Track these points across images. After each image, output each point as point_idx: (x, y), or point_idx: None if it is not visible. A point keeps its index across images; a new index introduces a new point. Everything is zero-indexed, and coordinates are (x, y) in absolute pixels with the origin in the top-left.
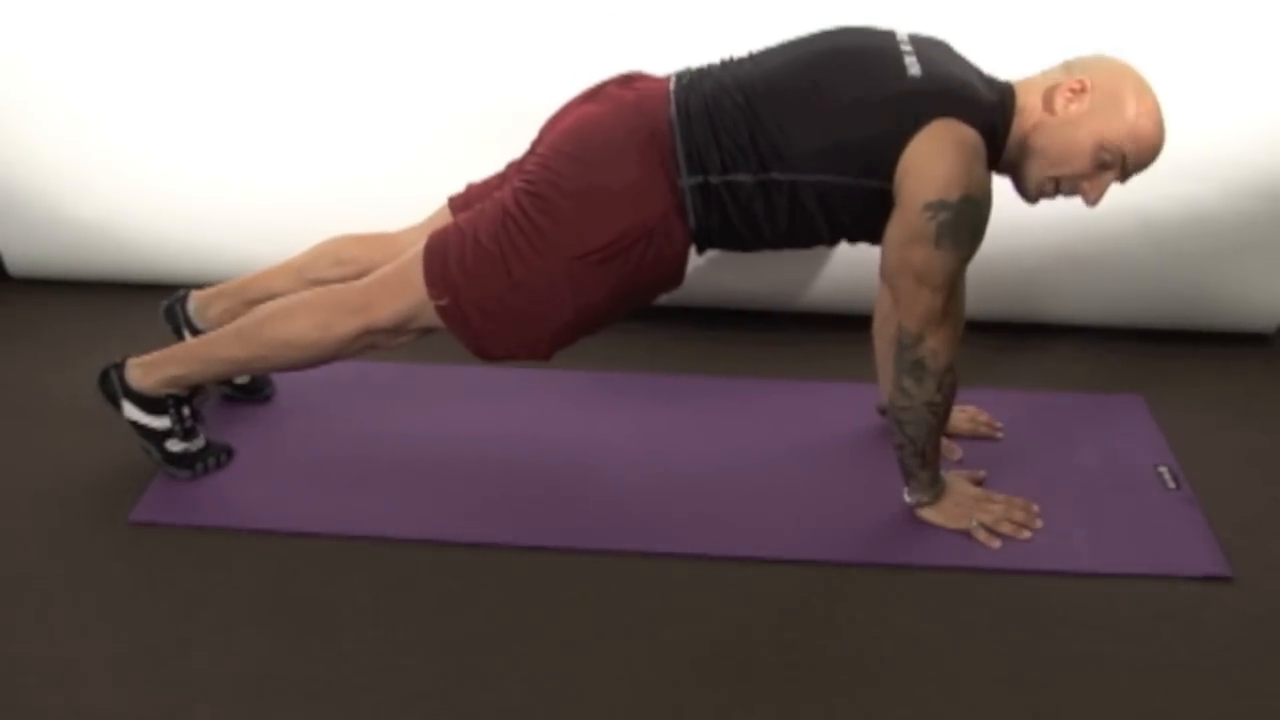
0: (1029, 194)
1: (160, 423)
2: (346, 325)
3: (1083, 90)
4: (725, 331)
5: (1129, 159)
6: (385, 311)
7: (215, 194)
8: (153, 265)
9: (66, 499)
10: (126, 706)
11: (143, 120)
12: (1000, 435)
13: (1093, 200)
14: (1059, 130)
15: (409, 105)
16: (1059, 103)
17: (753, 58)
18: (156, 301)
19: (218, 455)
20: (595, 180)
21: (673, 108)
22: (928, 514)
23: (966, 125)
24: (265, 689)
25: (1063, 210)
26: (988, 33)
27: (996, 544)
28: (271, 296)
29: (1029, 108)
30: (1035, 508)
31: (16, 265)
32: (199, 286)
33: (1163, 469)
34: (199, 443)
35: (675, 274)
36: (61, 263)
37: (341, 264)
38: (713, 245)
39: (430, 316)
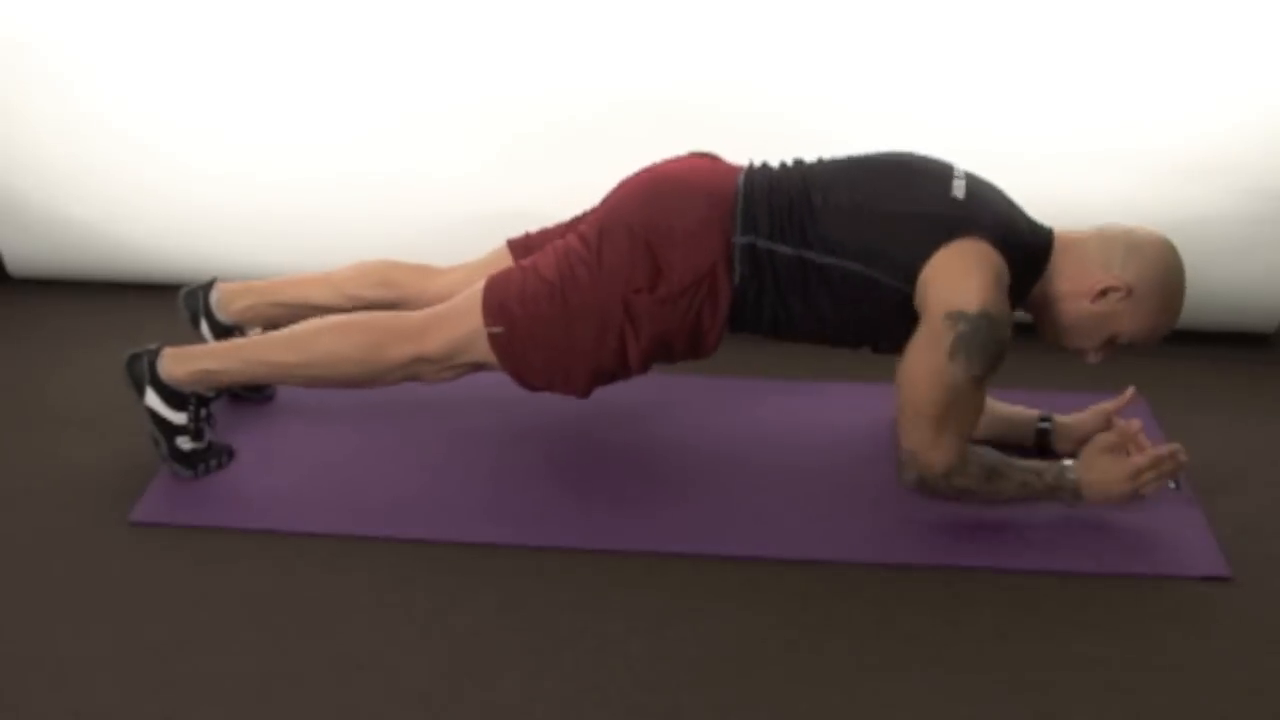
0: (1042, 338)
1: (178, 417)
2: (399, 350)
3: (1127, 295)
4: (728, 336)
5: (1137, 343)
6: (438, 340)
7: (215, 194)
8: (153, 265)
9: (66, 499)
10: (126, 706)
11: (143, 120)
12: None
13: (1093, 362)
14: (1087, 317)
15: (409, 105)
16: (1101, 301)
17: (820, 161)
18: (156, 301)
19: (220, 456)
20: (661, 221)
21: (741, 177)
22: (1093, 501)
23: (994, 250)
24: (265, 689)
25: (1062, 211)
26: (988, 32)
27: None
28: (305, 304)
29: (1065, 272)
30: (1175, 447)
31: (16, 265)
32: (193, 287)
33: None
34: (204, 443)
35: (710, 335)
36: (61, 263)
37: (385, 286)
38: (746, 320)
39: (481, 349)
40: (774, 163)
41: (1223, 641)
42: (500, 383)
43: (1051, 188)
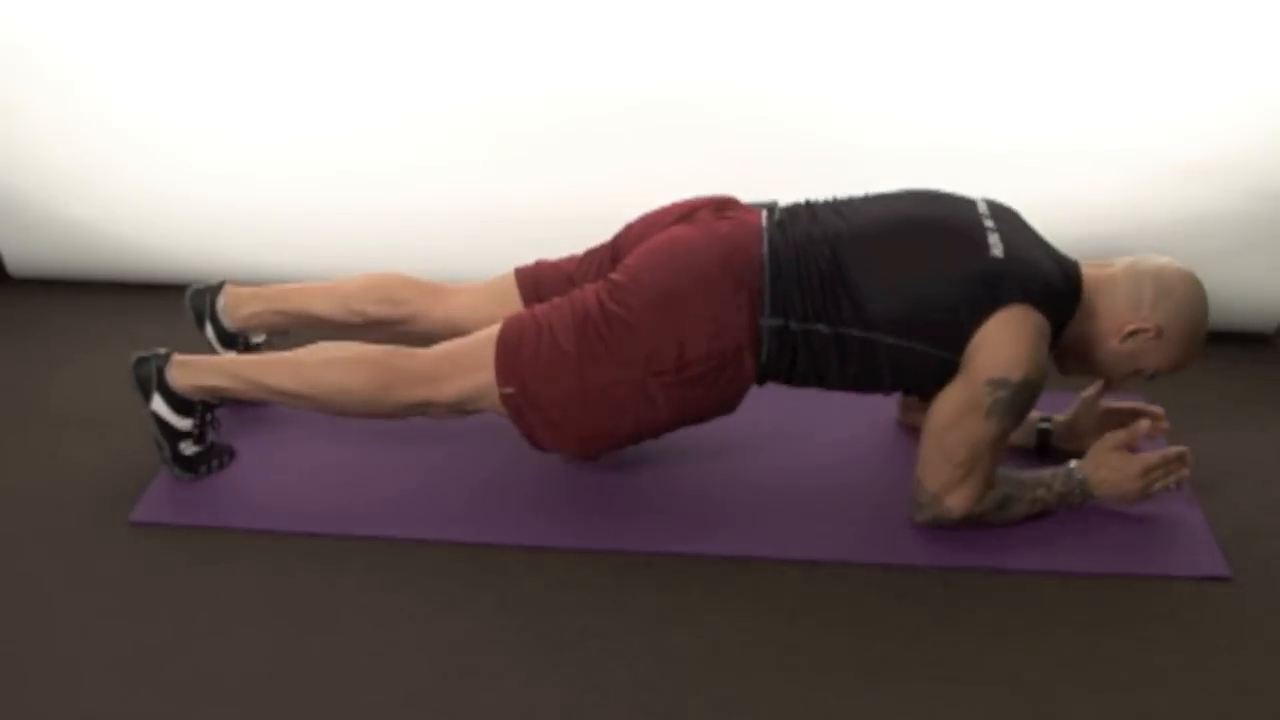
0: (1061, 371)
1: (184, 424)
2: (409, 393)
3: (1156, 336)
4: None
5: (1159, 375)
6: (451, 389)
7: (215, 194)
8: (153, 265)
9: (66, 499)
10: (126, 706)
11: (143, 120)
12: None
13: (1114, 389)
14: (1115, 354)
15: (409, 104)
16: (1130, 341)
17: (838, 209)
18: (156, 301)
19: (220, 457)
20: (683, 304)
21: (765, 247)
22: (1106, 499)
23: (1038, 312)
24: (265, 689)
25: (1063, 211)
26: (989, 33)
27: (1174, 480)
28: (308, 315)
29: (1095, 314)
30: (1182, 451)
31: (16, 265)
32: (202, 287)
33: None
34: (205, 445)
35: (733, 403)
36: (61, 263)
37: (390, 304)
38: (774, 380)
39: (491, 401)
40: (789, 203)
41: (1223, 641)
42: None
43: (1051, 188)
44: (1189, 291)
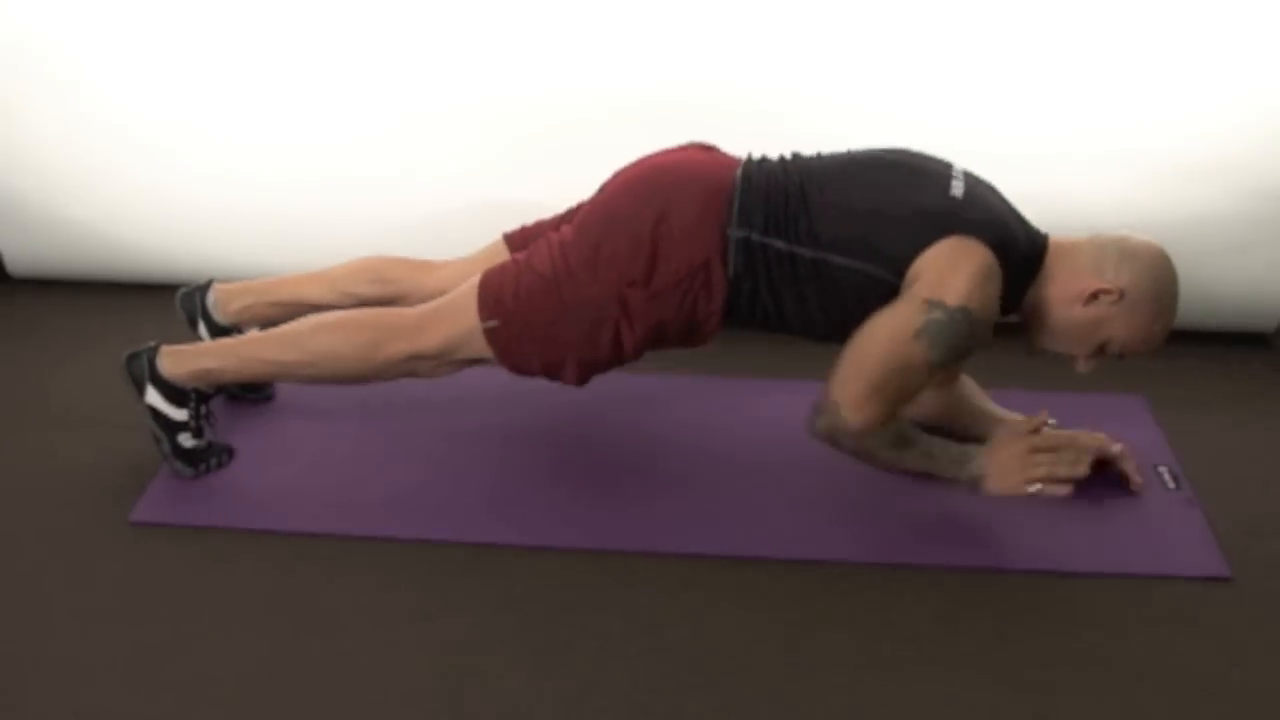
0: (1029, 348)
1: (180, 414)
2: (395, 347)
3: (1119, 299)
4: (727, 331)
5: (1128, 353)
6: (435, 337)
7: (215, 194)
8: (153, 265)
9: (66, 499)
10: (126, 706)
11: (143, 120)
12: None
13: (1083, 370)
14: (1079, 322)
15: (409, 104)
16: (1093, 305)
17: (819, 156)
18: (156, 301)
19: (220, 455)
20: (657, 215)
21: (739, 171)
22: (988, 490)
23: (989, 251)
24: (265, 689)
25: (1063, 212)
26: (989, 33)
27: (1064, 490)
28: (301, 302)
29: (1057, 277)
30: (1085, 437)
31: (16, 265)
32: (190, 289)
33: (1163, 469)
34: (204, 441)
35: (704, 326)
36: (61, 263)
37: (381, 283)
38: (739, 316)
39: (477, 345)
40: (773, 156)
41: (1223, 641)
42: (500, 382)
43: (1051, 188)
44: (1154, 258)
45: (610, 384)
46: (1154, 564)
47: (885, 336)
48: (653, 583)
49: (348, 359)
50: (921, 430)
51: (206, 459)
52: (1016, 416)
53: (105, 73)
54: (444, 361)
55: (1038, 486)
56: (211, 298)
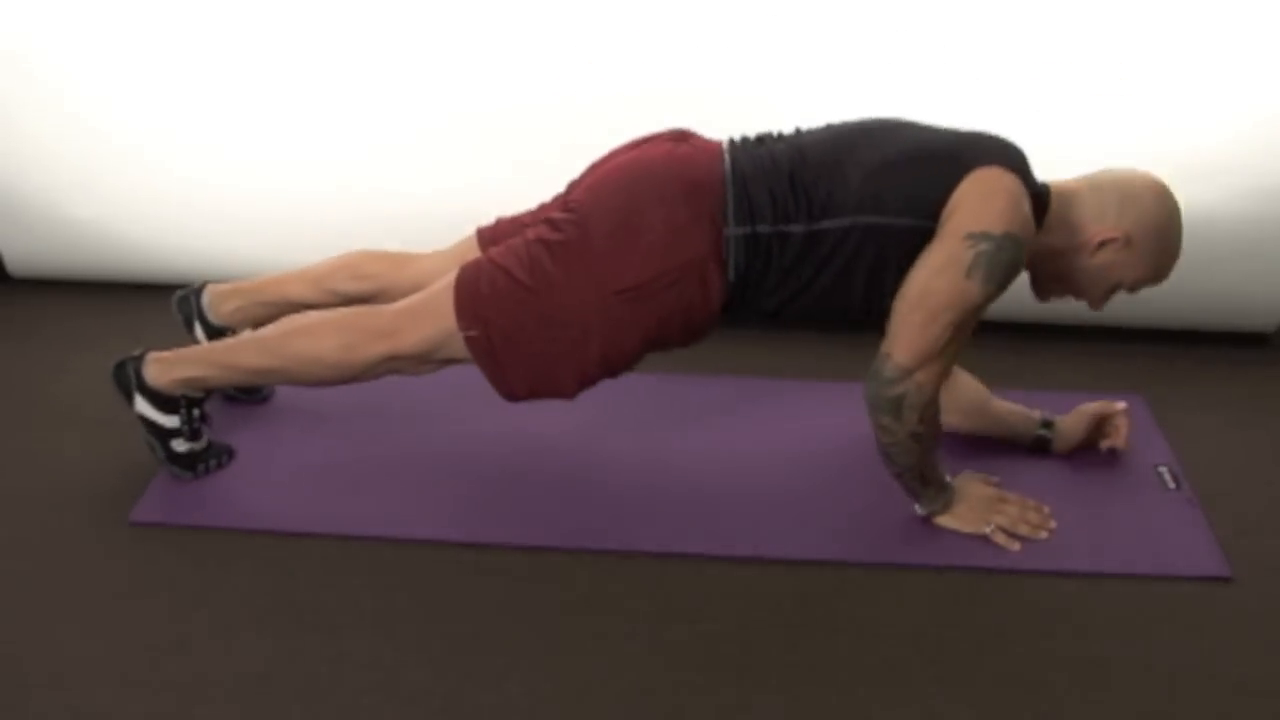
0: (1039, 295)
1: (170, 421)
2: (372, 349)
3: (1125, 245)
4: (726, 331)
5: (1139, 287)
6: (412, 339)
7: (215, 194)
8: (153, 265)
9: (66, 499)
10: (126, 706)
11: (143, 120)
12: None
13: (1097, 309)
14: (1088, 270)
15: (409, 105)
16: (1100, 253)
17: (801, 131)
18: (156, 301)
19: (219, 456)
20: (639, 218)
21: (727, 162)
22: (943, 521)
23: (1016, 177)
24: (265, 689)
25: None
26: (989, 33)
27: (1016, 546)
28: (286, 301)
29: (1061, 227)
30: (1048, 509)
31: (16, 265)
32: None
33: (1163, 469)
34: (202, 443)
35: (702, 327)
36: (61, 263)
37: (361, 279)
38: (742, 311)
39: (457, 348)
40: (751, 135)
41: (1223, 641)
42: None
43: None
44: (1154, 196)
45: (610, 384)
46: (1154, 564)
47: (939, 283)
48: (653, 583)
49: (325, 363)
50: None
51: (205, 460)
52: (1028, 414)
53: (105, 73)
54: (425, 361)
55: (993, 528)
56: (206, 300)
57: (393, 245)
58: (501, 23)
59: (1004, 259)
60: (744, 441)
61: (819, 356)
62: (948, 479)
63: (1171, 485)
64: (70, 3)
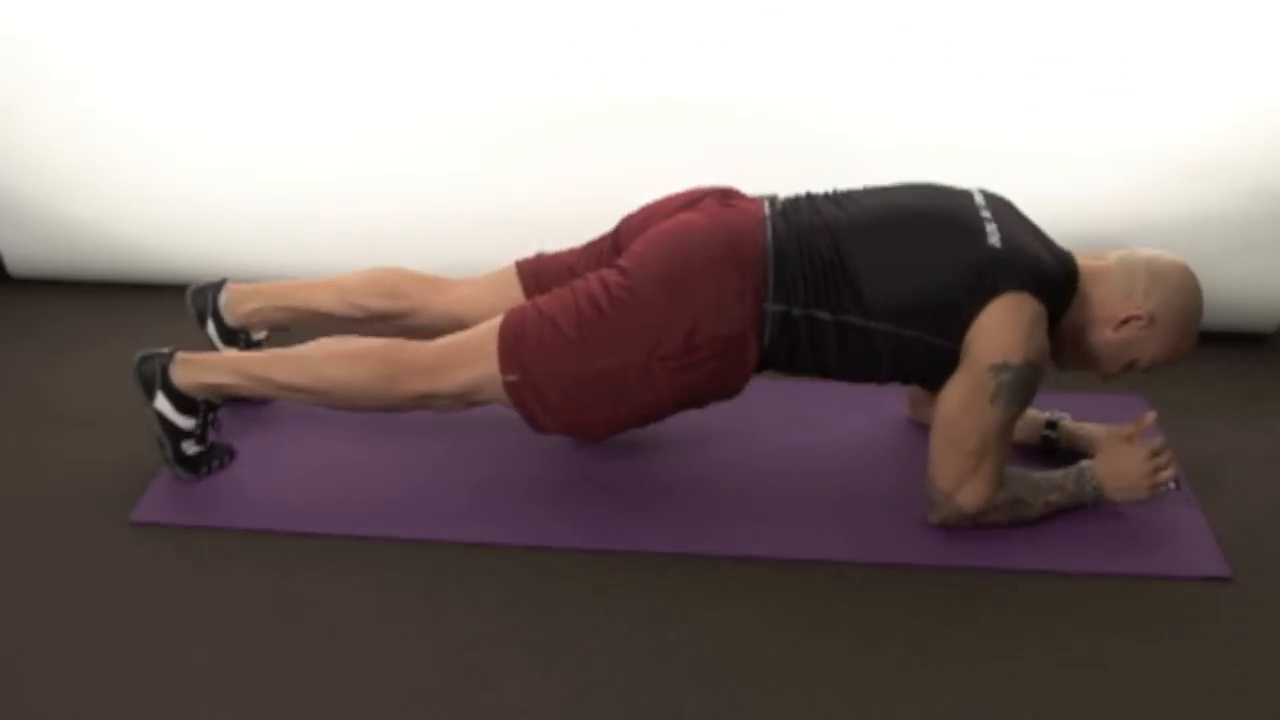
0: (1057, 365)
1: (187, 423)
2: (413, 385)
3: (1149, 323)
4: None
5: (1154, 367)
6: (455, 379)
7: (215, 194)
8: (152, 265)
9: (66, 499)
10: (126, 706)
11: (143, 120)
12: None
13: (1109, 382)
14: (1110, 344)
15: (410, 104)
16: (1124, 329)
17: (838, 200)
18: (156, 301)
19: (221, 456)
20: (691, 289)
21: (768, 234)
22: (1115, 497)
23: (1035, 299)
24: (265, 689)
25: (1063, 212)
26: (989, 33)
27: (1173, 487)
28: (310, 309)
29: (1089, 303)
30: (1158, 448)
31: (16, 265)
32: (203, 285)
33: None
34: (206, 445)
35: (737, 388)
36: (61, 263)
37: (392, 298)
38: (774, 367)
39: (495, 391)
40: (791, 195)
41: (1223, 641)
42: None
43: (1051, 188)
44: (1181, 280)
45: None
46: (1154, 564)
47: (965, 411)
48: (653, 583)
49: (362, 391)
50: (1031, 477)
51: (208, 462)
52: (1092, 425)
53: (105, 72)
54: (461, 401)
55: (1165, 488)
56: (223, 298)
57: (392, 245)
58: (500, 23)
59: (1023, 384)
60: (744, 441)
61: None
62: (1063, 477)
63: (1172, 485)
64: (70, 3)
